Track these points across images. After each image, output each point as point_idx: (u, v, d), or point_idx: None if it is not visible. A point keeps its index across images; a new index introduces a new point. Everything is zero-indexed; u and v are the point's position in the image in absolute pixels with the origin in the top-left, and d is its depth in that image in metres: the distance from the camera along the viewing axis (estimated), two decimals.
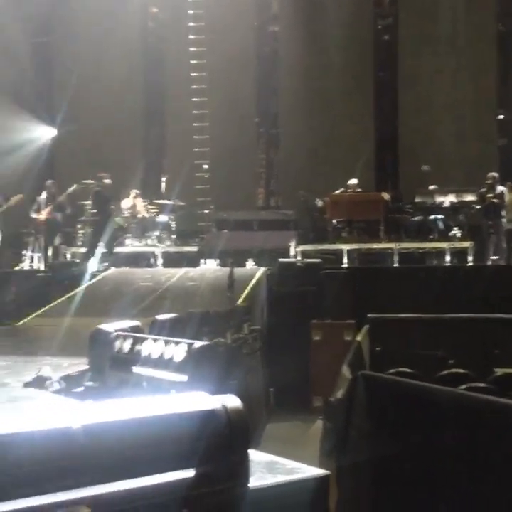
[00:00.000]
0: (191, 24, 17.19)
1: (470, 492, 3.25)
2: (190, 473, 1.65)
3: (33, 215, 13.67)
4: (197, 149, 16.64)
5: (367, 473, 3.70)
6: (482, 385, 4.97)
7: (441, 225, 13.27)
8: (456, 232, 12.97)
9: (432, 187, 13.88)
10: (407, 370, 5.80)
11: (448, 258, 12.39)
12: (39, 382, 3.93)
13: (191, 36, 17.17)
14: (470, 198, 13.62)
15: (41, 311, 8.66)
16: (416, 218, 13.79)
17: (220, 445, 1.66)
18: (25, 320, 8.31)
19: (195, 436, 1.64)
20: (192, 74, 17.04)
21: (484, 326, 7.71)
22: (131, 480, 1.57)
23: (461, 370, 5.87)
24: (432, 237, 13.24)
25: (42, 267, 13.15)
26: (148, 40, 18.23)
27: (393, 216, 13.91)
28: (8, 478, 1.42)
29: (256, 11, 17.54)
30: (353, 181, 14.11)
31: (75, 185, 14.01)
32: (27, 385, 3.89)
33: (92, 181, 14.31)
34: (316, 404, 9.10)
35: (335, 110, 16.94)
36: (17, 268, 13.48)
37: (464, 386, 4.88)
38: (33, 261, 13.77)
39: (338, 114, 16.91)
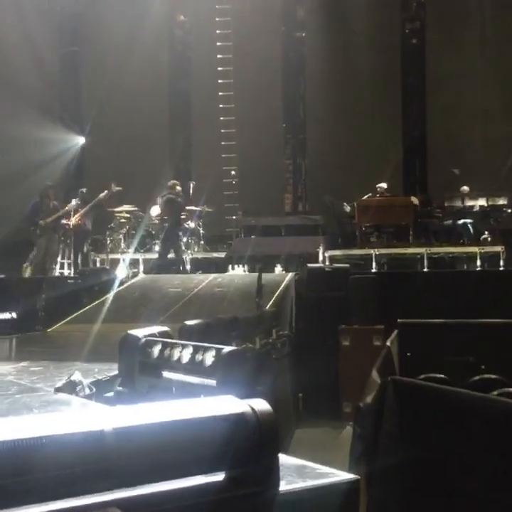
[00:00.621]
0: (218, 31, 17.28)
1: (502, 498, 3.20)
2: (219, 476, 1.64)
3: (64, 222, 13.82)
4: (224, 155, 16.71)
5: (397, 479, 3.66)
6: None
7: (471, 229, 13.15)
8: (486, 236, 12.84)
9: (463, 188, 13.76)
10: (438, 375, 5.76)
11: (479, 263, 12.26)
12: (70, 388, 3.96)
13: (218, 43, 17.26)
14: (501, 201, 13.48)
15: (71, 317, 8.74)
16: (446, 223, 13.68)
17: (250, 449, 1.65)
18: (56, 326, 8.39)
19: (225, 439, 1.64)
20: (219, 81, 17.13)
21: None
22: (162, 483, 1.58)
23: (493, 376, 5.80)
24: (462, 241, 13.12)
25: (72, 274, 13.29)
26: (175, 48, 18.37)
27: (422, 221, 13.82)
28: (40, 481, 1.43)
29: (282, 17, 17.58)
30: (383, 185, 14.05)
31: (105, 192, 14.16)
32: (58, 390, 3.93)
33: (120, 188, 14.45)
34: (345, 410, 9.06)
35: (362, 115, 16.88)
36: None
37: (496, 392, 4.83)
38: (62, 267, 13.93)
39: (365, 118, 16.85)
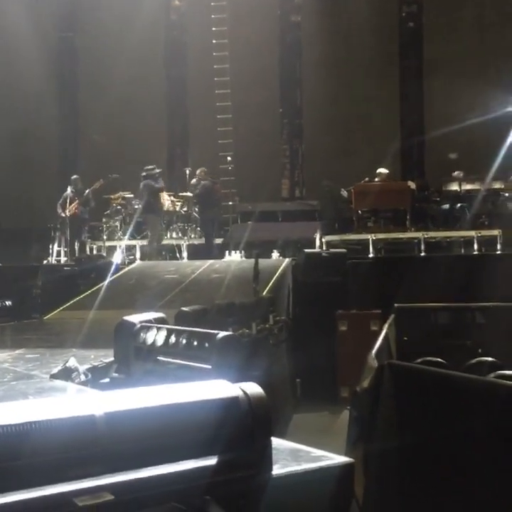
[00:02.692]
0: (213, 16, 17.17)
1: (498, 480, 3.21)
2: (212, 460, 1.64)
3: (60, 210, 13.80)
4: (221, 141, 16.66)
5: (393, 462, 3.67)
6: (511, 373, 4.90)
7: (468, 213, 13.11)
8: (484, 220, 12.81)
9: (455, 173, 13.73)
10: (435, 359, 5.75)
11: (476, 247, 12.24)
12: (65, 374, 3.97)
13: (214, 28, 17.16)
14: (498, 185, 13.45)
15: (68, 304, 8.73)
16: (443, 207, 13.65)
17: (243, 432, 1.65)
18: (52, 313, 8.39)
19: (218, 423, 1.63)
20: (215, 66, 17.04)
21: None
22: (154, 467, 1.57)
23: (489, 359, 5.80)
24: (459, 225, 13.10)
25: (68, 261, 13.27)
26: (170, 33, 18.23)
27: (420, 205, 13.77)
28: (32, 466, 1.42)
29: (278, 1, 17.43)
30: (383, 170, 13.99)
31: (101, 180, 14.11)
32: (53, 376, 3.93)
33: (117, 175, 14.42)
34: (342, 395, 9.08)
35: (360, 99, 16.81)
36: (44, 262, 13.61)
37: (492, 375, 4.83)
38: (59, 255, 13.91)
39: (362, 103, 16.78)
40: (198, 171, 14.14)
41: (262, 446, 1.68)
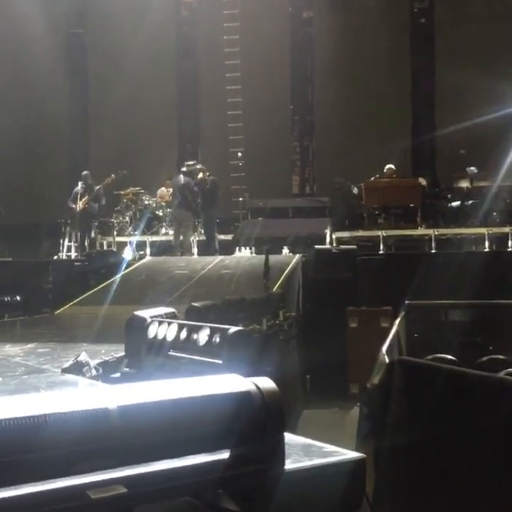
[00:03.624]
0: (225, 12, 17.14)
1: (507, 475, 3.20)
2: (225, 454, 1.64)
3: (71, 205, 13.83)
4: (231, 137, 16.65)
5: (404, 457, 3.67)
6: None
7: (479, 210, 13.07)
8: (495, 217, 12.76)
9: (470, 168, 13.68)
10: (445, 356, 5.75)
11: (487, 244, 12.19)
12: (77, 368, 3.98)
13: (225, 24, 17.12)
14: (509, 182, 13.39)
15: (79, 299, 8.76)
16: (454, 204, 13.60)
17: (255, 427, 1.65)
18: (63, 308, 8.41)
19: (230, 417, 1.63)
20: (226, 62, 17.02)
21: None
22: (167, 461, 1.57)
23: (500, 356, 5.79)
24: (470, 222, 13.05)
25: (79, 257, 13.31)
26: (181, 29, 18.23)
27: (430, 202, 13.74)
28: (45, 458, 1.43)
29: None
30: (391, 166, 13.96)
31: (112, 176, 14.13)
32: (65, 370, 3.94)
33: (125, 172, 14.44)
34: (352, 391, 9.08)
35: (371, 95, 16.75)
36: (54, 257, 13.66)
37: (503, 372, 4.82)
38: (70, 250, 13.95)
39: (374, 99, 16.72)
40: (198, 167, 14.04)
41: (275, 441, 1.68)
